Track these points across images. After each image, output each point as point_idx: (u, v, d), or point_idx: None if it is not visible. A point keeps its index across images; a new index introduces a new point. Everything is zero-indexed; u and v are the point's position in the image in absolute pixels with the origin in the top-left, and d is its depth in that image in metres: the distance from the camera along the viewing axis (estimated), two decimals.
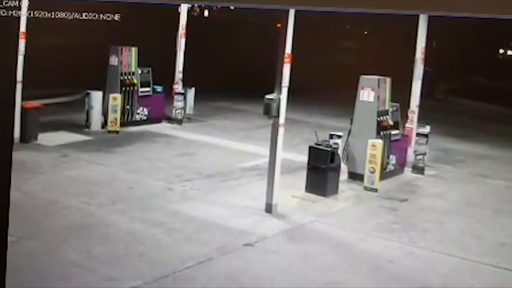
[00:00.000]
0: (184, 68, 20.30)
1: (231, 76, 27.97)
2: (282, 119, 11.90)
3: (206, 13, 40.32)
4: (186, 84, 20.58)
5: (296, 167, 15.03)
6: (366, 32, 38.94)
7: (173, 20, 20.70)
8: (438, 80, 30.33)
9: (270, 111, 11.79)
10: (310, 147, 13.75)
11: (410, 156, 16.13)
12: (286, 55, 11.78)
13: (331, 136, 14.46)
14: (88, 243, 10.07)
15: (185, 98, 20.35)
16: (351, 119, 15.07)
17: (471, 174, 16.61)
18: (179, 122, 20.04)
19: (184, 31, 20.16)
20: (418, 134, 16.03)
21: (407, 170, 16.02)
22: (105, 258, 9.57)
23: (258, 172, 14.62)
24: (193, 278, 9.14)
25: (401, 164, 15.91)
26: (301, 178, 13.75)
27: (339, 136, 14.59)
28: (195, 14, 31.87)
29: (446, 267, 10.31)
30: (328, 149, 13.59)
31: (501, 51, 35.33)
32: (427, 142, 15.95)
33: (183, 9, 20.32)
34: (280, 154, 12.09)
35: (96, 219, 11.15)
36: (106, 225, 10.90)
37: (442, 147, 19.25)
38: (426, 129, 16.04)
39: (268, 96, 11.81)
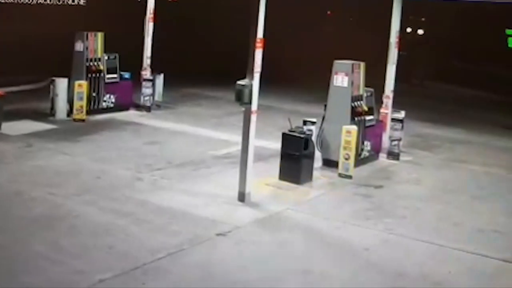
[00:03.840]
0: (152, 53, 20.21)
1: (202, 62, 27.90)
2: (254, 106, 11.90)
3: None
4: (154, 70, 20.49)
5: (269, 154, 15.09)
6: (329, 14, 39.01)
7: (140, 3, 20.60)
8: (414, 64, 30.51)
9: (242, 98, 11.75)
10: (283, 134, 13.80)
11: (385, 142, 16.24)
12: (258, 40, 11.76)
13: (305, 123, 14.53)
14: (55, 235, 10.03)
15: (153, 85, 20.27)
16: (325, 105, 15.10)
17: (447, 160, 16.77)
18: (148, 109, 19.97)
19: (152, 15, 20.07)
20: (393, 120, 16.09)
21: (382, 156, 16.13)
22: (73, 250, 9.53)
23: (230, 160, 14.64)
24: (164, 270, 9.14)
25: (376, 150, 16.02)
26: (275, 165, 13.80)
27: (313, 123, 14.65)
28: None
29: (423, 254, 10.42)
30: (302, 136, 13.64)
31: (409, 29, 35.34)
32: (402, 127, 16.03)
33: None
34: (253, 142, 12.10)
35: (63, 210, 11.09)
36: (73, 216, 10.85)
37: (417, 132, 19.42)
38: (401, 115, 16.08)
39: (240, 82, 11.77)
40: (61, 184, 12.42)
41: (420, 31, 35.23)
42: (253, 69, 11.76)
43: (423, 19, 35.26)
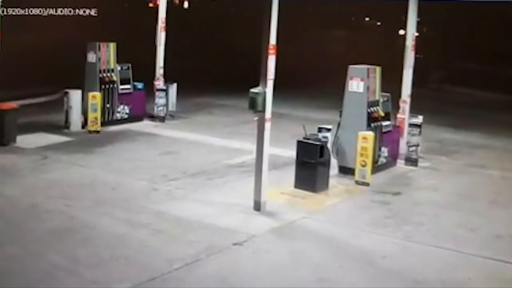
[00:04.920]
0: (165, 63, 20.41)
1: (215, 70, 28.11)
2: (268, 114, 11.99)
3: (186, 4, 40.39)
4: (167, 80, 20.69)
5: (284, 162, 15.21)
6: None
7: (152, 13, 20.79)
8: (431, 67, 30.52)
9: (255, 106, 11.85)
10: (298, 142, 13.87)
11: (403, 148, 16.29)
12: (270, 46, 11.86)
13: (320, 130, 14.62)
14: (72, 246, 10.19)
15: (167, 95, 20.48)
16: (340, 111, 15.17)
17: (466, 165, 16.81)
18: (162, 119, 20.18)
19: (163, 25, 20.26)
20: (410, 125, 16.14)
21: (400, 163, 16.20)
22: (90, 261, 9.69)
23: (245, 169, 14.77)
24: (182, 280, 9.26)
25: (394, 157, 16.08)
26: (290, 174, 13.89)
27: (328, 129, 14.75)
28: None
29: (441, 261, 10.48)
30: (317, 143, 13.72)
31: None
32: (420, 133, 16.08)
33: (162, 1, 20.37)
34: (267, 150, 12.19)
35: (79, 222, 11.25)
36: (89, 228, 11.01)
37: (435, 137, 19.45)
38: (419, 119, 16.15)
39: (253, 90, 11.86)
40: (76, 196, 12.60)
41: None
42: (266, 76, 11.85)
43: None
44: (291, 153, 14.38)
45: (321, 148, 13.73)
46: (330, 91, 20.03)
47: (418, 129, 16.06)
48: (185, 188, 13.56)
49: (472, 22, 34.13)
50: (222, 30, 31.88)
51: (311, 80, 29.10)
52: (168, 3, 20.53)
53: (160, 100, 20.19)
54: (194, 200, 12.81)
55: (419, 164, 16.20)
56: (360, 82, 14.91)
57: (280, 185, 13.66)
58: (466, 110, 25.46)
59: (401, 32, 37.13)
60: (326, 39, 36.83)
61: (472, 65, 33.77)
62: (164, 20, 20.22)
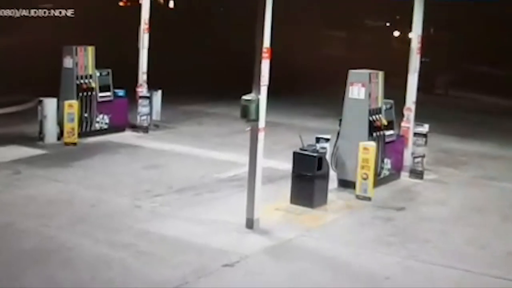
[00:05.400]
0: (148, 68, 20.47)
1: (206, 75, 28.17)
2: (262, 123, 12.03)
3: (171, 3, 40.46)
4: (152, 86, 20.75)
5: (280, 175, 15.33)
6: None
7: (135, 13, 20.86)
8: (437, 71, 30.64)
9: (248, 114, 11.85)
10: (294, 153, 13.96)
11: (407, 159, 16.44)
12: (264, 49, 11.86)
13: (318, 140, 14.70)
14: (49, 269, 10.27)
15: (151, 103, 20.48)
16: (340, 120, 15.28)
17: (475, 177, 16.99)
18: (145, 130, 20.23)
19: (146, 26, 20.27)
20: (415, 134, 16.28)
21: (404, 175, 16.35)
22: (69, 285, 9.78)
23: (236, 184, 14.88)
24: None
25: (398, 169, 16.22)
26: (285, 188, 14.01)
27: (327, 139, 14.83)
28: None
29: (449, 281, 10.61)
30: (315, 154, 13.81)
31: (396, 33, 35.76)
32: (426, 142, 16.24)
33: (145, 0, 20.42)
34: (261, 162, 12.24)
35: (57, 242, 11.32)
36: (68, 248, 11.07)
37: (443, 147, 19.63)
38: (425, 128, 16.28)
39: (245, 97, 11.88)
40: (53, 214, 12.66)
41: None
42: (259, 82, 11.86)
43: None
44: (287, 165, 14.47)
45: (319, 160, 13.81)
46: (330, 97, 20.13)
47: (424, 139, 16.18)
48: (171, 204, 13.62)
49: (484, 21, 34.27)
50: (214, 30, 31.92)
51: (310, 85, 29.23)
52: (151, 2, 20.58)
53: (143, 108, 20.20)
54: (181, 218, 12.87)
55: (425, 176, 16.35)
56: (361, 88, 15.00)
57: (275, 201, 13.77)
58: (475, 117, 25.57)
59: (396, 33, 37.59)
60: (326, 40, 37.02)
61: (482, 68, 33.90)
62: (147, 21, 20.24)
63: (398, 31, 37.40)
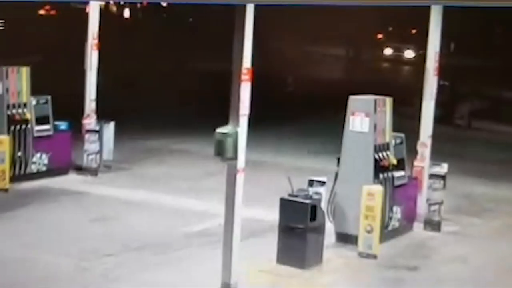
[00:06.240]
0: (98, 94, 20.30)
1: (167, 102, 28.12)
2: (241, 162, 11.90)
3: (126, 13, 40.27)
4: (101, 117, 20.55)
5: (263, 228, 15.25)
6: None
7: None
8: (458, 97, 30.81)
9: (224, 151, 11.71)
10: (281, 200, 13.85)
11: (422, 207, 16.39)
12: (244, 71, 11.76)
13: (311, 183, 14.52)
14: None
15: (100, 138, 20.31)
16: (338, 158, 15.23)
17: (503, 228, 17.07)
18: (94, 172, 20.05)
19: (95, 41, 20.09)
20: (431, 176, 16.28)
21: (418, 227, 16.31)
22: None
23: (209, 239, 14.70)
24: None
25: (409, 219, 16.17)
26: (271, 244, 13.85)
27: (322, 183, 14.66)
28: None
29: None
30: (307, 201, 13.73)
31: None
32: (444, 186, 16.21)
33: (94, 9, 20.13)
34: (240, 212, 12.09)
35: None
36: None
37: (464, 192, 19.64)
38: (443, 169, 16.26)
39: (220, 130, 11.75)
40: None
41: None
42: (238, 111, 11.77)
43: None
44: (273, 215, 14.35)
45: (313, 208, 13.73)
46: (327, 127, 20.10)
47: (442, 182, 16.20)
48: (127, 266, 13.44)
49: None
50: (182, 47, 31.80)
51: (302, 111, 29.37)
52: (101, 11, 20.39)
53: (91, 145, 20.03)
54: (140, 283, 12.69)
55: (443, 228, 16.32)
56: (364, 119, 14.96)
57: (258, 260, 13.63)
58: (503, 155, 25.66)
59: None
60: (321, 58, 37.32)
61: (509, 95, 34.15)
62: (96, 35, 20.06)
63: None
